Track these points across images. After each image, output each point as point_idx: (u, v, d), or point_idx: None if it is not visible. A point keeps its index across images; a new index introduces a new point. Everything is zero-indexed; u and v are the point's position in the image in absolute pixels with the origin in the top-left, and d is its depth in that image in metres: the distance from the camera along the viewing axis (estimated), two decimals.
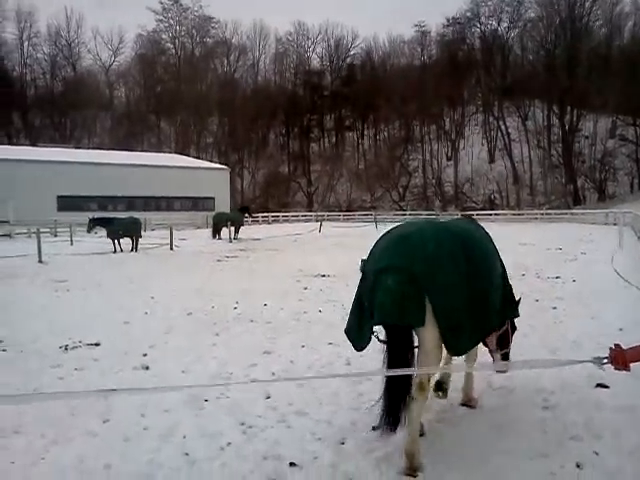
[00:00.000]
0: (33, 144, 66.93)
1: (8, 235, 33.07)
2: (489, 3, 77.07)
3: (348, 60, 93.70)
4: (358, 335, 4.27)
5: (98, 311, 10.09)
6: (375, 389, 5.48)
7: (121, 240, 23.26)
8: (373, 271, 4.11)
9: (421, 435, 4.35)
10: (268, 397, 5.48)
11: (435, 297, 3.90)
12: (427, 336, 3.97)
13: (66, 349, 7.45)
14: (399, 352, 3.99)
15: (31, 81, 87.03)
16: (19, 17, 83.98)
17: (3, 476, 3.92)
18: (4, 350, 7.44)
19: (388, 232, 4.46)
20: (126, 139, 77.50)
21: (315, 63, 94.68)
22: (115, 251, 22.45)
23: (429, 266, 3.93)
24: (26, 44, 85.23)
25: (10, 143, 71.89)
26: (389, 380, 3.99)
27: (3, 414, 4.96)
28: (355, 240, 25.90)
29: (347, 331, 4.44)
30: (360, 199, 77.95)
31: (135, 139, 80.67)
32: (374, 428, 4.43)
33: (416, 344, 4.08)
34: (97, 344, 7.66)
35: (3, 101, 76.89)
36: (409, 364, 3.98)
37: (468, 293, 4.07)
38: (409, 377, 3.93)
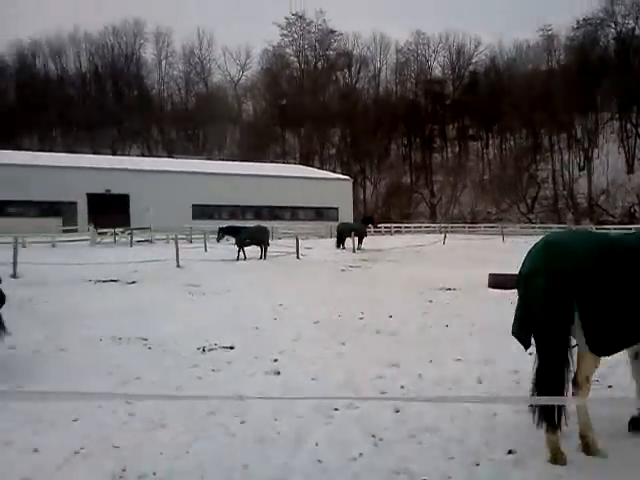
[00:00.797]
0: (169, 155, 71.67)
1: (149, 240, 35.55)
2: (625, 1, 72.30)
3: (470, 68, 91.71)
4: (521, 337, 4.51)
5: (230, 315, 10.56)
6: (510, 410, 5.29)
7: (248, 248, 24.16)
8: (523, 275, 4.44)
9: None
10: (397, 411, 5.44)
11: (584, 299, 4.10)
12: (579, 336, 4.24)
13: (203, 351, 7.87)
14: (551, 352, 4.22)
15: (168, 97, 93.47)
16: (157, 39, 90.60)
17: (153, 465, 4.19)
18: (149, 348, 8.01)
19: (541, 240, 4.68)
20: (253, 150, 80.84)
21: (436, 72, 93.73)
22: (238, 259, 23.35)
23: (578, 268, 4.12)
24: (163, 63, 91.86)
25: (150, 155, 77.58)
26: (543, 378, 4.24)
27: (151, 407, 5.34)
28: (481, 253, 25.17)
29: (513, 333, 4.64)
30: (485, 211, 75.73)
31: (262, 150, 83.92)
32: None
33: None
34: (231, 347, 8.02)
35: (144, 117, 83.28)
36: (563, 364, 4.21)
37: (620, 298, 4.16)
38: (564, 374, 4.19)
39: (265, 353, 7.62)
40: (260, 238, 24.49)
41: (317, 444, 4.70)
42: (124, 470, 4.12)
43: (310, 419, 5.22)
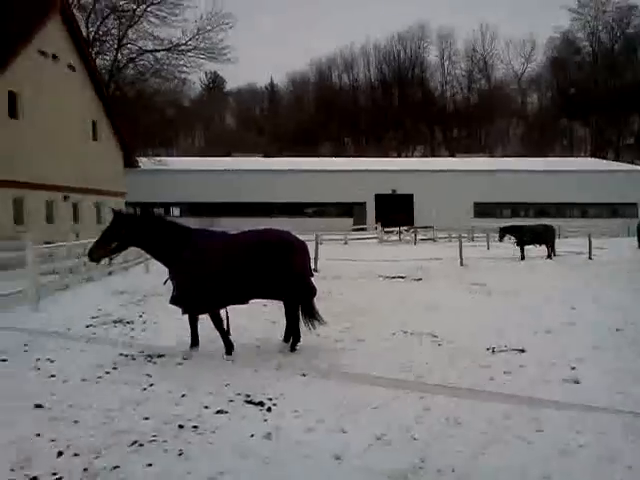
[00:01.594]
0: (451, 155, 72.09)
1: (432, 239, 36.33)
2: None
3: None
4: None
5: (519, 317, 10.17)
6: None
7: (529, 247, 23.05)
8: None
9: None
10: None
11: None
12: None
13: (493, 351, 7.71)
14: None
15: (450, 97, 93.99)
16: (440, 40, 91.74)
17: (451, 462, 4.23)
18: (439, 345, 8.15)
19: None
20: (537, 145, 76.77)
21: None
22: (522, 258, 22.37)
23: None
24: (446, 63, 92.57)
25: (433, 155, 79.17)
26: None
27: (445, 404, 5.41)
28: None
29: None
30: None
31: (547, 144, 79.23)
32: None
33: None
34: (522, 350, 7.70)
35: (427, 118, 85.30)
36: None
37: None
38: None
39: (561, 359, 7.14)
40: (544, 237, 23.19)
41: (630, 467, 4.22)
42: (423, 462, 4.23)
43: (616, 436, 4.72)
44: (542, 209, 50.06)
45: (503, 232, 24.52)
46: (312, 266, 8.55)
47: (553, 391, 5.95)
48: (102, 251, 7.55)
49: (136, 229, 7.42)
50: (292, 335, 7.80)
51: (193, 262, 7.26)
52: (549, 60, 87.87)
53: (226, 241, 7.67)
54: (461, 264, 19.76)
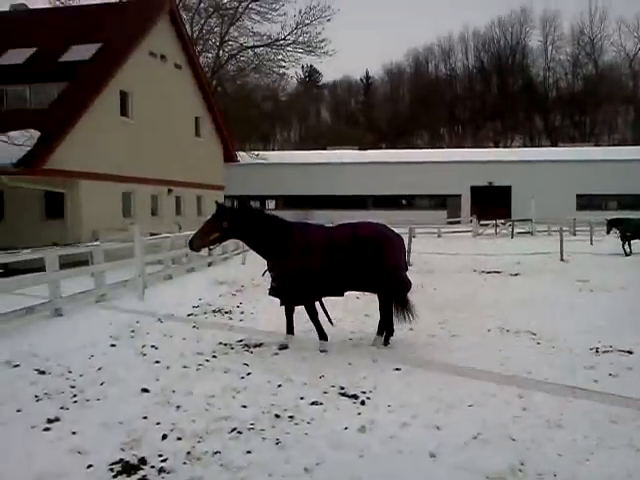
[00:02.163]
0: (554, 144, 68.96)
1: (530, 232, 34.99)
2: None
3: None
4: None
5: (626, 316, 9.61)
6: None
7: (633, 241, 21.61)
8: None
9: None
10: None
11: None
12: None
13: (597, 352, 7.34)
14: None
15: (553, 83, 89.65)
16: (544, 24, 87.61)
17: (553, 466, 4.09)
18: (538, 343, 7.86)
19: None
20: None
21: None
22: (626, 253, 21.04)
23: None
24: (550, 48, 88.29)
25: (532, 145, 76.05)
26: None
27: (546, 405, 5.22)
28: None
29: None
30: None
31: None
32: None
33: None
34: (630, 352, 7.29)
35: (527, 106, 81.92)
36: None
37: None
38: None
39: None
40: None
41: None
42: (522, 464, 4.11)
43: None
44: None
45: (610, 225, 23.20)
46: (407, 260, 8.49)
47: None
48: (202, 241, 7.74)
49: (238, 222, 7.64)
50: (386, 329, 7.80)
51: (293, 255, 7.44)
52: None
53: (324, 234, 7.77)
54: (561, 259, 18.89)
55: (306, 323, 7.91)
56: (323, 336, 7.66)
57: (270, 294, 7.86)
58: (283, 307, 7.77)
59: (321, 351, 7.33)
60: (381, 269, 7.52)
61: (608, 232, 23.82)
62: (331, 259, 7.43)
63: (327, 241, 7.58)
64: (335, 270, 7.45)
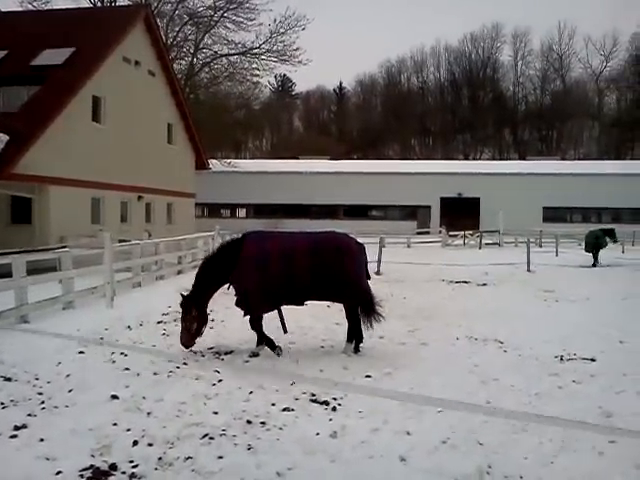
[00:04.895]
0: (522, 157, 70.24)
1: (497, 244, 35.54)
2: None
3: None
4: None
5: (589, 325, 9.89)
6: None
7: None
8: None
9: None
10: None
11: None
12: None
13: (561, 359, 7.53)
14: None
15: (522, 98, 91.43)
16: (515, 39, 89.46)
17: (519, 469, 4.19)
18: (505, 351, 8.02)
19: None
20: (614, 147, 73.68)
21: None
22: (594, 265, 21.63)
23: None
24: (520, 63, 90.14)
25: (501, 158, 77.40)
26: None
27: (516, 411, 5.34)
28: None
29: None
30: None
31: (624, 147, 75.90)
32: None
33: None
34: (592, 359, 7.50)
35: (497, 119, 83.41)
36: None
37: None
38: None
39: (635, 370, 6.91)
40: (600, 242, 22.25)
41: None
42: (490, 467, 4.21)
43: None
44: (616, 214, 48.00)
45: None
46: (370, 269, 8.54)
47: (627, 403, 5.77)
48: (193, 335, 7.66)
49: (200, 290, 7.76)
50: (355, 336, 7.86)
51: (248, 265, 7.51)
52: (632, 58, 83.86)
53: (283, 243, 7.73)
54: (528, 270, 19.26)
55: (277, 330, 7.93)
56: (265, 342, 7.73)
57: (236, 305, 7.93)
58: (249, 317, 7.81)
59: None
60: (342, 278, 7.55)
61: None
62: (290, 267, 7.45)
63: (286, 249, 7.58)
64: (294, 279, 7.48)
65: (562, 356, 7.67)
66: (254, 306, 7.65)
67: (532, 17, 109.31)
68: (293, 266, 7.45)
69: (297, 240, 7.84)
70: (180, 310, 7.77)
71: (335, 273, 7.50)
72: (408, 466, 4.27)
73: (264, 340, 7.76)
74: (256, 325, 7.74)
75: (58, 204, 19.93)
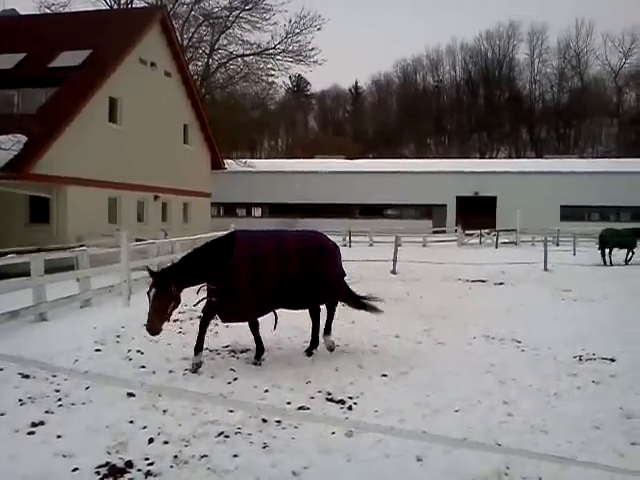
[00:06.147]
0: (539, 156, 69.64)
1: (514, 242, 35.28)
2: None
3: None
4: None
5: (608, 325, 9.76)
6: None
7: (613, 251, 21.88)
8: None
9: None
10: None
11: None
12: None
13: (580, 359, 7.43)
14: None
15: (539, 96, 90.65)
16: (532, 37, 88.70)
17: (538, 471, 4.13)
18: (523, 350, 7.94)
19: None
20: (633, 145, 72.79)
21: None
22: (605, 263, 21.37)
23: None
24: (536, 61, 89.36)
25: (517, 156, 76.79)
26: None
27: (530, 410, 5.26)
28: None
29: None
30: None
31: None
32: None
33: None
34: (612, 359, 7.39)
35: (513, 118, 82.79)
36: None
37: None
38: None
39: None
40: (625, 241, 21.96)
41: None
42: (508, 468, 4.15)
43: None
44: (636, 213, 47.38)
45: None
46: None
47: None
48: (161, 320, 6.66)
49: (184, 272, 6.88)
50: (329, 329, 7.75)
51: (241, 266, 6.92)
52: None
53: (274, 241, 7.37)
54: (545, 269, 19.06)
55: (291, 329, 7.92)
56: (261, 350, 7.31)
57: (225, 321, 7.51)
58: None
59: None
60: (326, 278, 7.36)
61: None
62: (283, 267, 7.07)
63: (279, 249, 7.19)
64: (288, 279, 7.08)
65: (581, 356, 7.57)
66: (248, 310, 7.14)
67: (549, 14, 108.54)
68: (286, 266, 7.08)
69: (287, 239, 7.49)
70: (157, 289, 6.64)
71: (319, 272, 7.25)
72: (424, 466, 4.23)
73: (259, 346, 7.33)
74: (255, 330, 7.35)
75: (75, 204, 20.11)
